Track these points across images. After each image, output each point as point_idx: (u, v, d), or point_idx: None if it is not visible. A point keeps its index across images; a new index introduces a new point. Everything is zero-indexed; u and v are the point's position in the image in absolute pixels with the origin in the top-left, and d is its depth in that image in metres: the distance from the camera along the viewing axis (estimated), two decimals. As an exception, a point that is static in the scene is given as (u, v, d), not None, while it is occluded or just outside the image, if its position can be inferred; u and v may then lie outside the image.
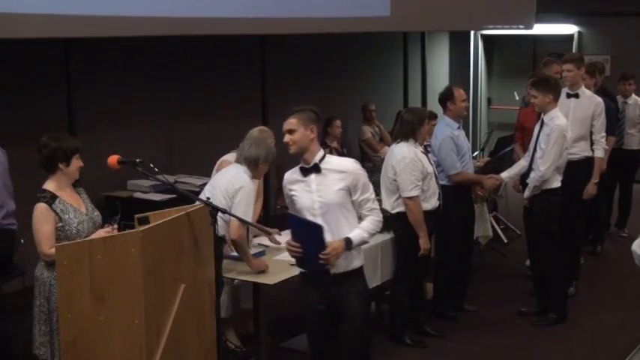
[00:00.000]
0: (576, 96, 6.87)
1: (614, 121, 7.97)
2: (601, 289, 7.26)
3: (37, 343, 4.46)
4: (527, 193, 6.29)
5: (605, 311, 6.75)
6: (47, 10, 5.80)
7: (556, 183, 6.22)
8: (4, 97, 7.01)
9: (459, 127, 6.39)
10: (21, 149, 7.06)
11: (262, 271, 5.29)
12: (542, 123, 6.25)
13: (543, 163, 6.12)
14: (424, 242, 5.84)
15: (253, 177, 5.45)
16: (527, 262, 7.20)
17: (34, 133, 7.22)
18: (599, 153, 6.92)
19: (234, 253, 5.40)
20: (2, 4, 5.54)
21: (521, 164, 6.52)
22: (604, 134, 6.93)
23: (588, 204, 7.25)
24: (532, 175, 6.23)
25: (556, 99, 6.26)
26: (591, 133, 6.89)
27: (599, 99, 6.99)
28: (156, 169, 4.53)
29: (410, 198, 5.78)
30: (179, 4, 6.74)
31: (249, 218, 5.23)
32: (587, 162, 6.87)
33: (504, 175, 6.57)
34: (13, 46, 6.33)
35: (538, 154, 6.22)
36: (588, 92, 6.98)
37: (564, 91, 6.82)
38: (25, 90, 7.17)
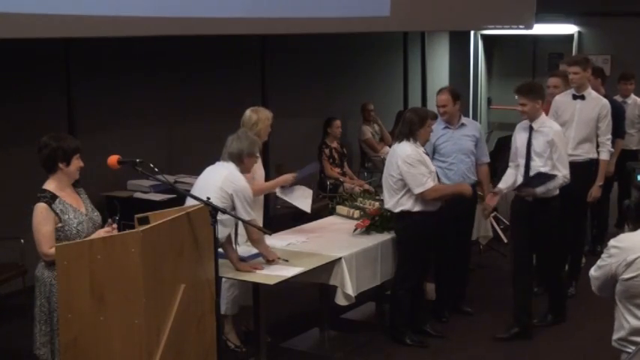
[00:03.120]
0: (582, 97, 6.79)
1: (623, 123, 7.90)
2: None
3: (38, 343, 4.46)
4: (542, 189, 6.00)
5: (605, 311, 6.72)
6: (47, 10, 5.80)
7: (556, 190, 6.11)
8: (4, 97, 7.02)
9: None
10: (21, 149, 7.07)
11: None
12: (532, 129, 6.04)
13: (563, 167, 6.01)
14: (465, 190, 6.07)
15: (242, 172, 5.36)
16: None
17: (34, 133, 7.23)
18: (605, 155, 6.84)
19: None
20: (2, 4, 5.54)
21: (514, 174, 6.22)
22: (609, 136, 6.85)
23: (592, 205, 7.21)
24: (554, 181, 5.98)
25: (543, 103, 6.15)
26: (597, 135, 6.82)
27: (605, 100, 6.92)
28: (156, 169, 4.53)
29: (425, 190, 5.76)
30: (179, 4, 6.74)
31: (251, 217, 5.25)
32: (591, 164, 6.81)
33: (502, 185, 6.29)
34: (13, 46, 6.33)
35: (537, 162, 6.02)
36: (594, 94, 6.89)
37: (570, 92, 6.80)
38: (25, 90, 7.17)
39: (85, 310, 4.02)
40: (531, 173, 6.06)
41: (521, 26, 11.08)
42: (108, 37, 6.67)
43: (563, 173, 6.01)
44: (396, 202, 5.89)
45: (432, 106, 9.78)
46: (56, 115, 7.12)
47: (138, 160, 4.45)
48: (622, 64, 10.94)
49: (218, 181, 5.24)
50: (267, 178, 6.52)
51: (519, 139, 6.15)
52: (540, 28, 11.67)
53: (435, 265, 6.40)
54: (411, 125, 5.86)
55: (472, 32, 13.04)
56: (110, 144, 6.94)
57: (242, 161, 5.35)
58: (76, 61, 7.11)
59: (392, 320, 6.11)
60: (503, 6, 10.66)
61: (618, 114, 7.68)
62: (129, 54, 7.79)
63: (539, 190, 6.01)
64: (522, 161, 6.11)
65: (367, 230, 6.08)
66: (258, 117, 5.95)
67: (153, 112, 8.38)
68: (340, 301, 5.60)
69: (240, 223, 5.40)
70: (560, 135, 6.07)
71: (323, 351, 6.13)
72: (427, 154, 5.96)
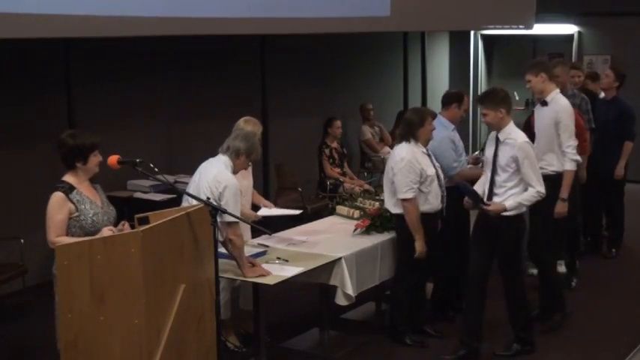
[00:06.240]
0: (544, 103, 6.24)
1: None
2: (601, 289, 7.26)
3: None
4: (512, 205, 5.52)
5: (605, 311, 6.75)
6: (47, 10, 5.80)
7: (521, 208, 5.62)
8: (4, 97, 7.02)
9: (454, 129, 6.38)
10: (21, 150, 7.08)
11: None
12: (498, 141, 5.61)
13: (535, 183, 5.51)
14: (420, 245, 5.77)
15: (233, 170, 5.35)
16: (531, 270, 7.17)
17: (34, 133, 7.26)
18: (568, 166, 6.17)
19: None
20: (2, 4, 5.54)
21: (483, 184, 5.77)
22: (571, 143, 6.15)
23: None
24: (525, 195, 5.50)
25: (509, 112, 5.59)
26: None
27: (563, 104, 6.20)
28: (156, 169, 4.54)
29: (405, 200, 5.77)
30: (179, 4, 6.74)
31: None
32: (558, 178, 6.20)
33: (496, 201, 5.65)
34: (13, 46, 6.33)
35: (501, 177, 5.56)
36: (558, 97, 6.23)
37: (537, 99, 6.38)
38: (26, 90, 7.18)
39: (85, 310, 4.02)
40: (495, 188, 5.61)
41: (521, 26, 11.08)
42: (108, 37, 6.67)
43: (536, 189, 5.51)
44: (394, 203, 5.90)
45: (432, 106, 9.80)
46: (56, 115, 7.12)
47: (138, 160, 4.46)
48: (622, 64, 10.93)
49: (209, 178, 5.24)
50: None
51: (488, 150, 5.72)
52: (540, 28, 11.67)
53: (437, 265, 6.39)
54: (411, 125, 5.87)
55: (472, 32, 13.04)
56: (110, 144, 6.93)
57: (238, 158, 5.36)
58: (76, 61, 7.11)
59: (392, 320, 6.11)
60: (503, 6, 10.66)
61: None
62: (129, 54, 7.79)
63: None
64: (489, 174, 5.67)
65: (367, 230, 6.08)
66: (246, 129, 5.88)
67: (153, 112, 8.38)
68: (340, 301, 5.60)
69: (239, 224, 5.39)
70: (526, 147, 5.52)
71: (323, 351, 6.12)
72: (429, 155, 5.95)
